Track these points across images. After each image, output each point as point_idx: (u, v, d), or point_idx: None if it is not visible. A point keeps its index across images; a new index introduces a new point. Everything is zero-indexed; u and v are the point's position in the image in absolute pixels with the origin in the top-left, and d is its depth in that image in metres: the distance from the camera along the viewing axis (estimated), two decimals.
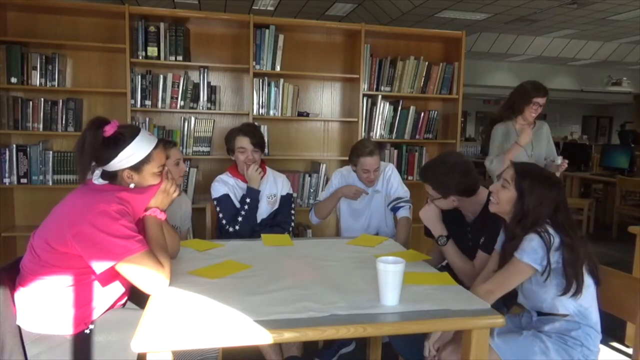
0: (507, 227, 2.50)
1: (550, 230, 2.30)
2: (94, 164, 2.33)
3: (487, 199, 2.87)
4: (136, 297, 2.44)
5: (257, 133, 3.83)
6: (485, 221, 2.82)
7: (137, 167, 2.35)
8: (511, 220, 2.45)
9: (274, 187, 3.90)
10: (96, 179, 2.35)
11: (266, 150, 5.00)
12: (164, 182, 2.48)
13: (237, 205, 3.76)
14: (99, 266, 2.11)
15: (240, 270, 2.58)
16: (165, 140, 3.59)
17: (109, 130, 2.31)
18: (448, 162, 2.94)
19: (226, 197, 3.75)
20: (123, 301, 2.45)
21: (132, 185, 2.36)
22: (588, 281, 2.35)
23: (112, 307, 2.37)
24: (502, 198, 2.47)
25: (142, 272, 2.14)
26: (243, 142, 3.74)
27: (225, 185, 3.79)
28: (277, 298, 2.15)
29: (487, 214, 2.72)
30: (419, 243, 4.68)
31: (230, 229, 3.67)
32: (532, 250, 2.29)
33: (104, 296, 2.30)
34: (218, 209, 3.74)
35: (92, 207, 2.14)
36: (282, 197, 3.91)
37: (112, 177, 2.35)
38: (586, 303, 2.38)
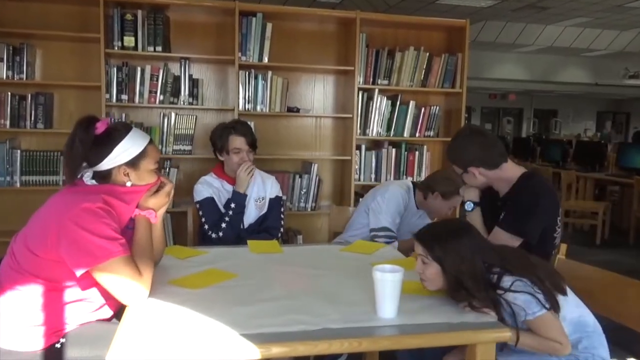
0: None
1: (506, 278, 2.30)
2: (84, 165, 2.35)
3: (518, 177, 3.03)
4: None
5: (251, 131, 3.88)
6: (510, 199, 2.94)
7: (133, 163, 2.40)
8: (453, 293, 2.34)
9: (262, 189, 3.91)
10: (87, 179, 2.37)
11: None
12: (169, 184, 2.56)
13: (222, 209, 3.77)
14: (79, 268, 2.12)
15: (224, 279, 2.58)
16: None
17: (101, 127, 2.35)
18: (463, 134, 3.13)
19: (210, 200, 3.75)
20: (105, 318, 2.43)
21: (128, 184, 2.40)
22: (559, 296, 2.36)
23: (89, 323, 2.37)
24: (430, 275, 2.37)
25: (120, 279, 2.15)
26: (238, 142, 3.76)
27: (210, 188, 3.79)
28: (264, 310, 2.16)
29: (512, 192, 2.87)
30: None
31: (213, 235, 3.67)
32: (530, 303, 2.25)
33: (79, 309, 2.30)
34: (200, 213, 3.74)
35: (75, 204, 2.17)
36: (271, 200, 3.92)
37: (104, 177, 2.38)
38: (575, 312, 2.40)
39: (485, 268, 2.31)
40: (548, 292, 2.27)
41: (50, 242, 2.14)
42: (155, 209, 2.48)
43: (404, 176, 5.57)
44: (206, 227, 3.70)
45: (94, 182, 2.38)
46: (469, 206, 3.11)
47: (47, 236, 2.15)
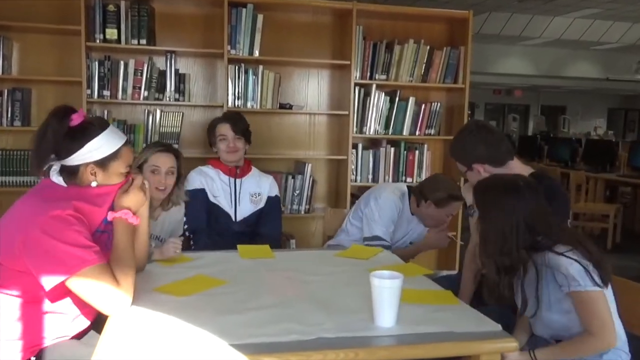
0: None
1: (561, 245, 2.32)
2: (52, 156, 2.34)
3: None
4: (99, 327, 2.41)
5: (241, 120, 3.96)
6: None
7: (103, 163, 2.37)
8: (495, 257, 2.39)
9: (257, 185, 3.99)
10: (54, 175, 2.35)
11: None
12: (137, 177, 2.50)
13: (212, 197, 3.86)
14: (49, 280, 2.10)
15: (213, 286, 2.59)
16: None
17: (76, 119, 2.33)
18: (468, 129, 3.13)
19: (198, 192, 3.83)
20: (82, 329, 2.43)
21: (94, 184, 2.36)
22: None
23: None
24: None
25: (98, 288, 2.13)
26: (223, 128, 3.87)
27: (203, 177, 3.89)
28: (255, 318, 2.16)
29: None
30: (420, 256, 4.68)
31: (185, 226, 3.73)
32: (584, 275, 2.25)
33: (51, 322, 2.29)
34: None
35: (44, 211, 2.15)
36: (270, 198, 4.00)
37: (72, 173, 2.36)
38: (613, 314, 2.38)
39: (530, 231, 2.34)
40: (600, 273, 2.27)
41: (17, 251, 2.12)
42: (132, 207, 2.44)
43: (403, 177, 5.57)
44: (185, 218, 3.75)
45: (60, 179, 2.35)
46: (471, 211, 3.05)
47: (13, 245, 2.13)
